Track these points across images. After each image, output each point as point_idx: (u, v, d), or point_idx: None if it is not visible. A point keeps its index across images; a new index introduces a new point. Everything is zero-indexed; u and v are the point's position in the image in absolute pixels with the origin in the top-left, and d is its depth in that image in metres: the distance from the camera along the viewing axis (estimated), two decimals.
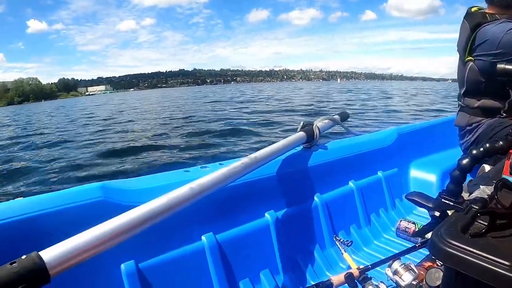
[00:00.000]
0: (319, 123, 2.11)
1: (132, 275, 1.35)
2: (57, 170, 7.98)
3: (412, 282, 1.41)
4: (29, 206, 1.19)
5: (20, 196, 1.28)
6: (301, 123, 2.06)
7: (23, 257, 0.74)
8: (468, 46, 1.97)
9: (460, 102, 2.21)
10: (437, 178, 2.57)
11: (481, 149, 0.86)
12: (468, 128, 2.14)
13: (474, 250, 0.63)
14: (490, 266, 0.61)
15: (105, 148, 10.37)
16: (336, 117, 2.32)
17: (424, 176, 2.64)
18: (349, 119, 2.60)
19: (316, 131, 2.03)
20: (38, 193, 1.33)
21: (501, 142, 0.84)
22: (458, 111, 2.25)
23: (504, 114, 1.99)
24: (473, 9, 2.00)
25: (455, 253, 0.65)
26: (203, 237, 1.56)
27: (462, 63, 2.06)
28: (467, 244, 0.65)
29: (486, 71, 1.92)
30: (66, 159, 9.19)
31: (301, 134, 1.98)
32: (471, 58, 1.98)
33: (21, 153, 10.97)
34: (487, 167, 1.27)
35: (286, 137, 1.90)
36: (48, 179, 7.17)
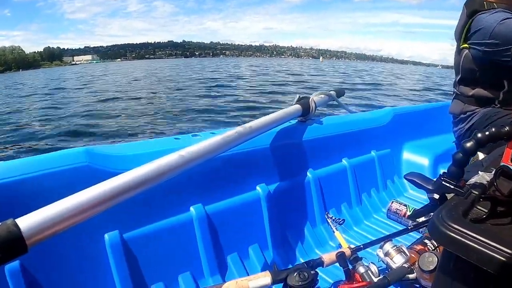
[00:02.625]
0: (315, 97, 2.08)
1: (116, 245, 1.30)
2: (38, 134, 7.91)
3: (403, 265, 1.40)
4: (7, 170, 1.13)
5: None
6: (297, 96, 2.02)
7: None
8: (464, 33, 1.96)
9: (455, 90, 2.21)
10: (429, 162, 2.57)
11: (487, 133, 0.83)
12: (462, 116, 2.14)
13: (477, 236, 0.62)
14: (492, 253, 0.59)
15: (89, 114, 10.30)
16: (332, 92, 2.29)
17: (417, 159, 2.64)
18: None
19: (312, 105, 2.00)
20: (17, 157, 1.27)
21: (507, 128, 0.81)
22: (453, 98, 2.25)
23: (499, 105, 1.99)
24: None
25: (457, 238, 0.63)
26: (191, 208, 1.51)
27: (458, 50, 2.06)
28: (469, 229, 0.63)
29: (479, 60, 1.92)
30: (49, 124, 9.11)
31: (297, 106, 1.94)
32: (466, 45, 1.97)
33: None
34: (481, 155, 1.26)
35: (282, 109, 1.85)
36: (27, 143, 7.10)
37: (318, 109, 2.08)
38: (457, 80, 2.14)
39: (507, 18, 1.73)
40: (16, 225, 0.70)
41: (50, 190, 1.14)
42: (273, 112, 1.76)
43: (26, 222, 0.72)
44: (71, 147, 1.37)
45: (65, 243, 1.18)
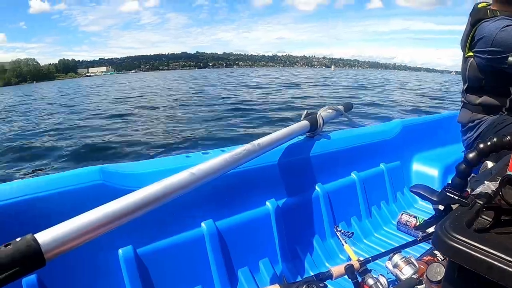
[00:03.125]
0: (323, 112, 2.10)
1: (130, 260, 1.34)
2: (53, 153, 7.98)
3: (412, 276, 1.40)
4: (26, 188, 1.17)
5: (17, 178, 1.26)
6: (305, 112, 2.04)
7: (18, 239, 0.71)
8: (468, 42, 1.98)
9: (463, 99, 2.21)
10: (439, 173, 2.57)
11: (488, 143, 0.85)
12: (470, 124, 2.14)
13: (480, 246, 0.62)
14: (496, 263, 0.59)
15: (102, 133, 10.32)
16: (340, 107, 2.30)
17: (427, 170, 2.64)
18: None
19: (320, 121, 2.01)
20: (33, 176, 1.31)
21: (508, 137, 0.83)
22: (461, 107, 2.25)
23: (506, 112, 1.99)
24: (479, 5, 1.99)
25: (460, 248, 0.64)
26: (202, 224, 1.54)
27: (464, 58, 2.07)
28: (472, 239, 0.64)
29: (484, 68, 1.93)
30: (63, 142, 9.17)
31: (304, 122, 1.95)
32: (471, 54, 1.98)
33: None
34: (489, 164, 1.27)
35: (289, 125, 1.87)
36: (43, 162, 7.16)
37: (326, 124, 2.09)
38: (464, 88, 2.15)
39: (509, 25, 1.74)
40: (35, 240, 0.73)
41: (67, 207, 1.18)
42: (281, 128, 1.78)
43: (44, 237, 0.76)
44: (86, 166, 1.41)
45: (80, 257, 1.22)
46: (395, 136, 2.58)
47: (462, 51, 2.08)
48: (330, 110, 2.19)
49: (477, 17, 1.91)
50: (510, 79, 1.86)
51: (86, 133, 10.30)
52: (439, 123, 3.05)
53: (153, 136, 9.38)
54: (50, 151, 8.22)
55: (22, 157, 7.76)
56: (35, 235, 0.75)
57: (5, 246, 0.69)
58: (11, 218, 1.11)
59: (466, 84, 2.11)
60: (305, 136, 2.08)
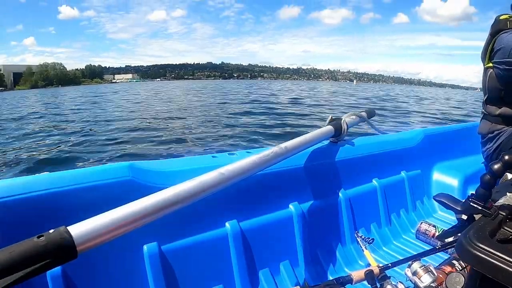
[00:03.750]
0: (347, 118, 2.10)
1: (154, 256, 1.36)
2: (84, 149, 8.08)
3: (431, 284, 1.41)
4: (56, 181, 1.19)
5: (46, 171, 1.29)
6: (330, 117, 2.05)
7: (51, 231, 0.73)
8: (488, 53, 1.97)
9: (483, 110, 2.21)
10: (459, 183, 2.55)
11: None
12: (490, 135, 2.13)
13: (503, 256, 0.63)
14: None
15: (133, 130, 10.41)
16: (364, 113, 2.31)
17: (447, 180, 2.63)
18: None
19: (344, 126, 2.02)
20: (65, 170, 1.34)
21: None
22: (481, 118, 2.24)
23: None
24: (501, 17, 1.98)
25: (483, 257, 0.65)
26: (227, 224, 1.56)
27: (484, 69, 2.07)
28: (496, 249, 0.65)
29: (502, 79, 1.92)
30: (93, 140, 9.27)
31: (329, 128, 1.96)
32: (490, 65, 1.98)
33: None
34: (509, 175, 1.27)
35: (315, 129, 1.89)
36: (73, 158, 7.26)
37: (349, 130, 2.11)
38: (484, 99, 2.15)
39: None
40: (68, 232, 0.74)
41: (96, 201, 1.20)
42: (306, 133, 1.80)
43: (77, 229, 0.77)
44: (116, 162, 1.43)
45: (105, 251, 1.23)
46: (417, 145, 2.58)
47: (482, 62, 2.07)
48: (354, 116, 2.20)
49: (497, 28, 1.91)
50: None
51: (118, 131, 10.42)
52: (460, 133, 3.03)
53: (179, 135, 9.46)
54: (79, 146, 8.35)
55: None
56: (68, 227, 0.76)
57: (38, 237, 0.70)
58: (41, 210, 1.14)
59: (486, 95, 2.10)
60: (329, 141, 2.09)
